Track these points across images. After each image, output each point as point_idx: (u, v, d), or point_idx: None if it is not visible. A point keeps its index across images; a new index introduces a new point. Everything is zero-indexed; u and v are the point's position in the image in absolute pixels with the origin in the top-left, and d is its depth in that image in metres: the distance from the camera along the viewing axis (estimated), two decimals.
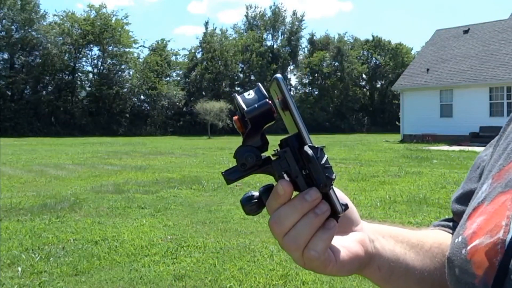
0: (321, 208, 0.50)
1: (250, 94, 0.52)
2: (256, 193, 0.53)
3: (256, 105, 0.50)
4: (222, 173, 0.53)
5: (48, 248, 4.57)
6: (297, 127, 0.50)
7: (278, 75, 0.51)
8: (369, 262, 0.57)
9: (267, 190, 0.53)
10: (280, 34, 58.99)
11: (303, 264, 0.52)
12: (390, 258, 0.59)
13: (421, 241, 0.62)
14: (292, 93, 64.22)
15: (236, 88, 53.02)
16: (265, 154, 0.53)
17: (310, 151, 0.49)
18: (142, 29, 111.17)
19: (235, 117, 0.53)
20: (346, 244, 0.55)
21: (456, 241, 0.51)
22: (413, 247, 0.61)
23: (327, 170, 0.49)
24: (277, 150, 0.53)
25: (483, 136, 21.69)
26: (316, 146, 0.50)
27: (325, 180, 0.49)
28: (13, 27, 42.48)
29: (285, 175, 0.51)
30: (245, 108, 0.50)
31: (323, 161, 0.49)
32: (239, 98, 0.51)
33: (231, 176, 0.53)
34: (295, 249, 0.51)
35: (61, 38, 44.10)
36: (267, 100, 0.51)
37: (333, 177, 0.49)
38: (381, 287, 0.61)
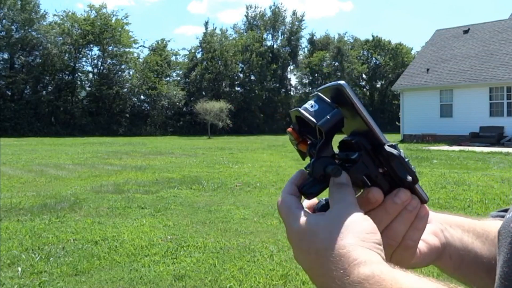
0: (412, 205, 0.52)
1: (313, 106, 0.51)
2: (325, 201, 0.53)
3: (328, 117, 0.50)
4: (301, 188, 0.52)
5: (48, 248, 4.56)
6: (370, 128, 0.50)
7: (342, 82, 0.51)
8: (442, 251, 0.59)
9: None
10: (280, 34, 59.03)
11: (390, 258, 0.52)
12: (459, 247, 0.60)
13: (485, 230, 0.62)
14: (292, 93, 64.13)
15: (236, 88, 53.03)
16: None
17: (395, 151, 0.50)
18: (142, 29, 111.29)
19: (290, 129, 0.53)
20: (423, 237, 0.56)
21: (507, 217, 0.53)
22: (478, 236, 0.62)
23: (409, 164, 0.51)
24: (345, 153, 0.53)
25: (483, 136, 21.70)
26: (391, 143, 0.51)
27: (413, 173, 0.50)
28: (13, 27, 42.47)
29: (365, 178, 0.52)
30: (316, 122, 0.50)
31: (403, 155, 0.50)
32: (304, 112, 0.51)
33: (312, 190, 0.52)
34: (393, 246, 0.52)
35: (61, 38, 44.10)
36: (339, 109, 0.51)
37: (415, 169, 0.51)
38: (451, 275, 0.63)
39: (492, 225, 0.64)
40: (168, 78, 50.81)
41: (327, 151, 0.51)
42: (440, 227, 0.60)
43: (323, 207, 0.51)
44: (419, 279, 0.40)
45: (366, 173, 0.52)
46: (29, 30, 42.66)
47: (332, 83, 0.52)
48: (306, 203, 0.54)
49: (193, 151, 18.61)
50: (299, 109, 0.51)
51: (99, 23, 45.45)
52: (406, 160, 0.50)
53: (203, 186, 8.64)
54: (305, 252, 0.47)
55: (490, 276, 0.59)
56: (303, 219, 0.49)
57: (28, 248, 4.57)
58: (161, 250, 4.51)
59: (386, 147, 0.50)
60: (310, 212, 0.51)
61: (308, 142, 0.53)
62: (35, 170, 11.42)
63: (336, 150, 0.54)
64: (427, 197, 0.53)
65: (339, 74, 56.29)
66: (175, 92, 48.18)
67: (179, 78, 52.35)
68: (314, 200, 0.54)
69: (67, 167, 12.16)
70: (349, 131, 0.54)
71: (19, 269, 3.93)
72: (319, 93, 0.53)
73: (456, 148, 19.31)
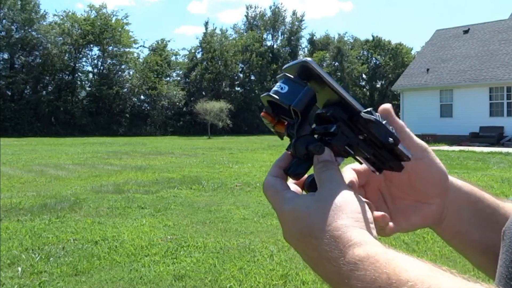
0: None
1: (283, 88, 0.51)
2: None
3: (300, 96, 0.50)
4: (287, 172, 0.52)
5: (48, 248, 4.56)
6: (342, 97, 0.50)
7: (308, 58, 0.51)
8: (436, 224, 0.60)
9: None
10: (280, 34, 59.05)
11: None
12: (457, 229, 0.60)
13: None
14: None
15: (236, 88, 53.04)
16: None
17: (372, 117, 0.50)
18: (142, 29, 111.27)
19: (263, 113, 0.53)
20: (409, 221, 0.58)
21: None
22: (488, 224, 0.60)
23: (388, 126, 0.51)
24: (323, 126, 0.53)
25: (483, 136, 21.70)
26: (367, 110, 0.51)
27: (393, 135, 0.51)
28: (13, 27, 42.49)
29: (347, 148, 0.52)
30: (289, 103, 0.49)
31: (380, 119, 0.51)
32: (275, 95, 0.51)
33: (299, 170, 0.52)
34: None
35: (61, 38, 44.10)
36: (308, 86, 0.50)
37: (393, 130, 0.51)
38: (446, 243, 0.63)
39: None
40: (168, 78, 50.83)
41: (306, 129, 0.51)
42: (450, 207, 0.58)
43: (313, 182, 0.52)
44: (412, 260, 0.40)
45: (347, 143, 0.52)
46: (29, 30, 42.67)
47: (297, 60, 0.51)
48: (293, 181, 0.54)
49: (193, 151, 18.61)
50: (270, 93, 0.51)
51: (99, 23, 45.46)
52: (384, 123, 0.51)
53: (203, 186, 8.64)
54: (297, 234, 0.46)
55: (484, 258, 0.60)
56: (292, 201, 0.48)
57: (28, 248, 4.57)
58: (161, 250, 4.51)
59: (363, 115, 0.50)
60: (297, 193, 0.51)
61: (285, 123, 0.53)
62: (35, 170, 11.42)
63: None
64: (410, 154, 0.53)
65: (339, 74, 56.28)
66: (175, 92, 48.18)
67: (179, 78, 52.36)
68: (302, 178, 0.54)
69: (67, 167, 12.16)
70: (322, 103, 0.54)
71: (19, 269, 3.93)
72: (286, 73, 0.52)
73: (456, 148, 19.31)
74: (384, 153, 0.53)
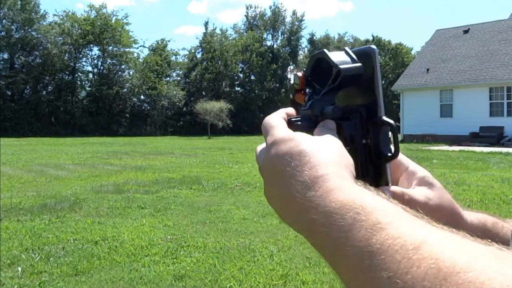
0: None
1: (340, 55, 0.51)
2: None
3: (352, 66, 0.50)
4: (289, 120, 0.51)
5: (48, 248, 4.56)
6: (376, 97, 0.51)
7: (374, 47, 0.51)
8: None
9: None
10: (280, 34, 59.04)
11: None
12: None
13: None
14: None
15: (236, 88, 53.05)
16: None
17: (392, 121, 0.50)
18: (142, 29, 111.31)
19: (301, 74, 0.53)
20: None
21: None
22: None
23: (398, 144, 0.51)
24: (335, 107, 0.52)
25: (483, 136, 21.70)
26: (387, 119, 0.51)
27: (396, 151, 0.51)
28: (13, 27, 42.50)
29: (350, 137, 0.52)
30: (338, 65, 0.50)
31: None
32: (330, 54, 0.51)
33: (300, 122, 0.51)
34: None
35: (61, 38, 44.11)
36: (361, 64, 0.51)
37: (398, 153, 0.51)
38: None
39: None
40: (168, 78, 50.84)
41: (331, 99, 0.51)
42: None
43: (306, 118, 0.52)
44: (387, 200, 0.38)
45: (351, 134, 0.52)
46: (29, 30, 42.68)
47: (364, 47, 0.52)
48: None
49: (193, 151, 18.61)
50: (326, 51, 0.51)
51: (99, 23, 45.46)
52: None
53: (203, 186, 8.64)
54: (284, 153, 0.44)
55: None
56: (289, 130, 0.47)
57: (28, 248, 4.57)
58: (161, 250, 4.51)
59: (385, 118, 0.50)
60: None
61: (305, 95, 0.53)
62: (35, 170, 11.42)
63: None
64: (391, 181, 0.52)
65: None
66: (175, 92, 48.19)
67: (179, 78, 52.37)
68: None
69: (67, 167, 12.16)
70: (343, 103, 0.53)
71: (19, 269, 3.93)
72: (347, 49, 0.53)
73: (456, 148, 19.32)
74: (370, 167, 0.52)
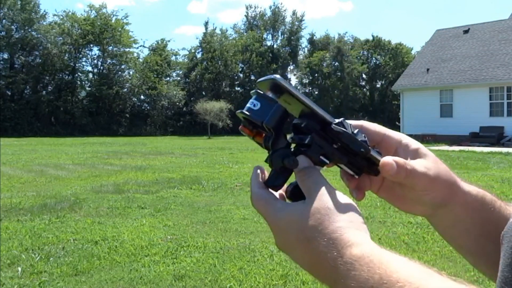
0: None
1: (256, 105, 0.53)
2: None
3: (271, 114, 0.52)
4: (266, 184, 0.54)
5: (48, 248, 4.56)
6: (312, 110, 0.53)
7: (276, 75, 0.53)
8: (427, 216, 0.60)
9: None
10: (280, 34, 59.03)
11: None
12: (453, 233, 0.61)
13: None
14: None
15: (236, 88, 53.04)
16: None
17: (339, 129, 0.52)
18: (142, 29, 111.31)
19: (241, 127, 0.55)
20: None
21: (511, 220, 0.53)
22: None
23: (358, 136, 0.53)
24: (296, 137, 0.55)
25: (483, 136, 21.70)
26: (338, 121, 0.53)
27: (365, 145, 0.53)
28: (13, 27, 42.49)
29: (322, 158, 0.54)
30: (262, 120, 0.52)
31: (350, 130, 0.53)
32: (248, 113, 0.53)
33: (277, 182, 0.54)
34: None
35: (61, 38, 44.11)
36: (278, 103, 0.53)
37: (365, 138, 0.53)
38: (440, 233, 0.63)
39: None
40: (168, 78, 50.84)
41: (281, 142, 0.53)
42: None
43: (295, 189, 0.53)
44: (403, 261, 0.41)
45: (322, 153, 0.54)
46: (29, 30, 42.68)
47: (267, 76, 0.54)
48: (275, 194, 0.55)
49: (193, 151, 18.61)
50: (243, 111, 0.54)
51: (99, 23, 45.46)
52: (356, 132, 0.53)
53: (203, 186, 8.64)
54: (293, 241, 0.48)
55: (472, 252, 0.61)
56: (285, 209, 0.50)
57: (28, 248, 4.57)
58: (161, 250, 4.51)
59: (333, 126, 0.52)
60: (287, 202, 0.53)
61: (263, 135, 0.55)
62: (35, 170, 11.42)
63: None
64: (381, 157, 0.54)
65: (339, 74, 56.29)
66: (175, 92, 48.19)
67: (179, 78, 52.37)
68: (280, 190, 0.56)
69: (67, 167, 12.16)
70: (298, 113, 0.56)
71: (19, 269, 3.93)
72: (258, 90, 0.55)
73: (456, 148, 19.31)
74: (359, 159, 0.55)
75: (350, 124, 0.53)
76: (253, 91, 0.55)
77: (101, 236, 5.05)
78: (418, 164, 0.55)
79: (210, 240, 4.90)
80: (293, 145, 0.55)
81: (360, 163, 0.56)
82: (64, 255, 4.36)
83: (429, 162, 0.56)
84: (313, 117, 0.53)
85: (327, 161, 0.54)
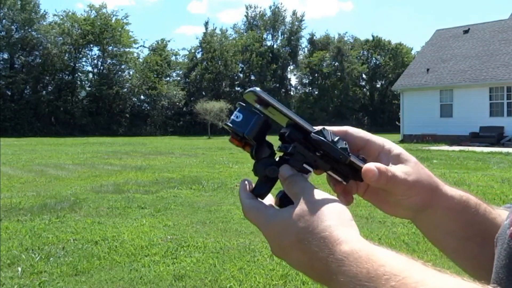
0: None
1: (238, 117, 0.55)
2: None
3: (252, 124, 0.54)
4: (253, 192, 0.57)
5: (48, 248, 4.56)
6: (293, 120, 0.54)
7: (255, 88, 0.55)
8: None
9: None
10: (280, 34, 59.06)
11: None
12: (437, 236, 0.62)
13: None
14: (292, 93, 64.32)
15: (236, 88, 53.03)
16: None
17: (317, 138, 0.53)
18: (142, 29, 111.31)
19: (231, 138, 0.57)
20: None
21: (504, 223, 0.55)
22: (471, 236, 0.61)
23: (338, 143, 0.54)
24: (281, 146, 0.57)
25: (483, 136, 21.69)
26: (317, 129, 0.54)
27: (343, 153, 0.54)
28: (13, 27, 42.50)
29: (305, 166, 0.56)
30: (243, 132, 0.54)
31: (330, 138, 0.54)
32: (231, 125, 0.55)
33: (262, 190, 0.56)
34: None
35: (61, 38, 44.12)
36: (259, 114, 0.55)
37: (346, 145, 0.55)
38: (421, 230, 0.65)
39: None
40: (168, 78, 50.86)
41: (264, 152, 0.56)
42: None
43: (283, 197, 0.55)
44: (390, 254, 0.43)
45: (305, 161, 0.55)
46: (29, 30, 42.69)
47: (248, 90, 0.55)
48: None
49: (193, 151, 18.61)
50: (227, 123, 0.56)
51: (99, 23, 45.47)
52: (336, 139, 0.54)
53: (203, 186, 8.64)
54: (287, 245, 0.49)
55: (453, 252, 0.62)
56: (276, 216, 0.52)
57: (28, 248, 4.57)
58: (161, 250, 4.51)
59: (312, 135, 0.54)
60: (277, 208, 0.54)
61: (251, 145, 0.57)
62: (35, 170, 11.42)
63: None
64: (362, 164, 0.55)
65: (339, 74, 56.29)
66: (175, 92, 48.20)
67: (179, 78, 52.39)
68: (270, 196, 0.58)
69: (67, 167, 12.16)
70: (284, 122, 0.58)
71: (19, 269, 3.92)
72: (241, 103, 0.57)
73: (456, 148, 19.31)
74: (342, 166, 0.57)
75: (330, 132, 0.55)
76: (238, 103, 0.57)
77: (101, 236, 5.04)
78: (398, 170, 0.56)
79: (210, 240, 4.90)
80: (281, 153, 0.57)
81: (344, 170, 0.58)
82: (64, 255, 4.36)
83: (409, 168, 0.57)
84: (296, 127, 0.55)
85: (311, 169, 0.56)
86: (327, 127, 0.55)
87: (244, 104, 0.56)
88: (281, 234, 0.50)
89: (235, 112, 0.56)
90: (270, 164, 0.55)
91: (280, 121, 0.58)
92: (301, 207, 0.50)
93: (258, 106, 0.56)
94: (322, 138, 0.53)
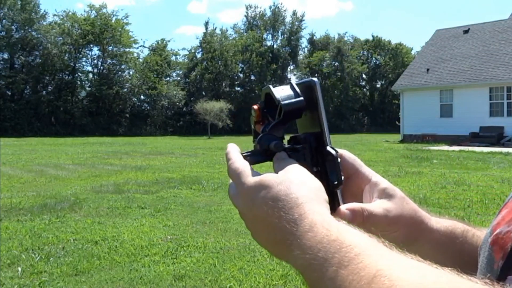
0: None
1: (285, 89, 0.55)
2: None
3: (293, 100, 0.53)
4: (242, 154, 0.55)
5: (48, 248, 4.56)
6: (321, 128, 0.54)
7: (315, 79, 0.55)
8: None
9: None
10: (280, 34, 59.01)
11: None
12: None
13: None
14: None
15: (236, 88, 53.03)
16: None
17: (334, 151, 0.53)
18: (142, 29, 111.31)
19: (256, 106, 0.56)
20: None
21: (487, 231, 0.55)
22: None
23: (341, 172, 0.54)
24: (292, 144, 0.56)
25: (483, 136, 21.69)
26: (333, 147, 0.54)
27: (340, 179, 0.54)
28: (13, 27, 42.48)
29: None
30: (282, 101, 0.53)
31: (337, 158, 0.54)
32: (274, 90, 0.55)
33: (253, 157, 0.55)
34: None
35: (61, 38, 44.10)
36: (302, 98, 0.54)
37: (343, 179, 0.54)
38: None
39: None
40: (168, 78, 50.82)
41: (279, 131, 0.55)
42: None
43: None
44: (359, 233, 0.43)
45: (302, 164, 0.54)
46: (29, 30, 42.67)
47: (306, 79, 0.55)
48: None
49: (193, 151, 18.61)
50: (271, 87, 0.55)
51: (99, 23, 45.45)
52: (341, 168, 0.54)
53: (203, 186, 8.64)
54: (261, 202, 0.49)
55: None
56: (259, 175, 0.51)
57: (28, 248, 4.57)
58: (161, 250, 4.51)
59: (329, 148, 0.54)
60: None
61: (266, 123, 0.56)
62: (35, 170, 11.42)
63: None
64: (342, 202, 0.55)
65: (339, 74, 56.29)
66: (175, 92, 48.18)
67: (179, 78, 52.36)
68: None
69: (67, 167, 12.16)
70: (302, 130, 0.58)
71: (19, 269, 3.93)
72: (293, 82, 0.56)
73: (456, 148, 19.31)
74: (327, 188, 0.56)
75: (338, 154, 0.55)
76: (289, 81, 0.56)
77: (101, 236, 5.04)
78: (378, 207, 0.56)
79: (210, 240, 4.90)
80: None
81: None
82: (64, 255, 4.36)
83: (391, 203, 0.57)
84: (314, 135, 0.55)
85: None
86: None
87: (294, 85, 0.56)
88: (257, 191, 0.50)
89: (284, 86, 0.55)
90: (277, 140, 0.54)
91: (302, 127, 0.57)
92: (286, 174, 0.50)
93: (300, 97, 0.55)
94: (336, 154, 0.54)
